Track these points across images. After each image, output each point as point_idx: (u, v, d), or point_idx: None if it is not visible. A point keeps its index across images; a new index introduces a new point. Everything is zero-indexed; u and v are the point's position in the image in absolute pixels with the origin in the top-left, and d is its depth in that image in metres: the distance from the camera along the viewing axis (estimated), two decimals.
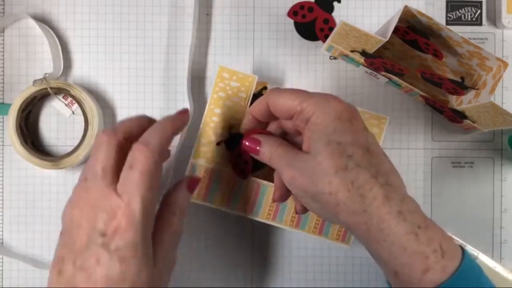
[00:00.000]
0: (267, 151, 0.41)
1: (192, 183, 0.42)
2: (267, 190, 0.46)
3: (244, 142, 0.43)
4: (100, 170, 0.36)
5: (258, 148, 0.42)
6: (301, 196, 0.39)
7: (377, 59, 0.46)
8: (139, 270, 0.35)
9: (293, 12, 0.51)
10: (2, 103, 0.51)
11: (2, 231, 0.51)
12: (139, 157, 0.36)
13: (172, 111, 0.51)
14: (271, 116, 0.42)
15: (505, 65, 0.43)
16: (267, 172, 0.47)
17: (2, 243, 0.51)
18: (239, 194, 0.46)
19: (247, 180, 0.46)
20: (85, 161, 0.50)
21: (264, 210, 0.46)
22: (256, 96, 0.47)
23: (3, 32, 0.51)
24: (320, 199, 0.37)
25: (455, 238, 0.50)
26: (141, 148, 0.36)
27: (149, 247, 0.36)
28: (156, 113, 0.51)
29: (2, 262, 0.51)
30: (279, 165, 0.40)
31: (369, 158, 0.37)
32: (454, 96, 0.49)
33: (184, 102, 0.50)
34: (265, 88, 0.49)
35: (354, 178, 0.36)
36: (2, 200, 0.51)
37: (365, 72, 0.50)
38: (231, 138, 0.47)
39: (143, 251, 0.35)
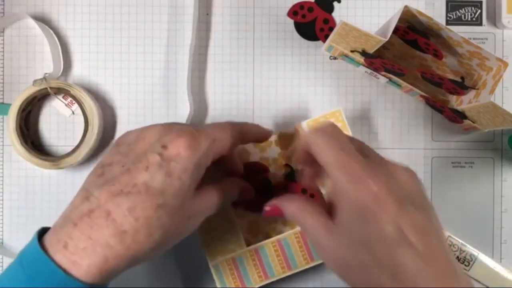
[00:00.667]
0: (291, 215, 0.39)
1: (244, 191, 0.44)
2: (288, 241, 0.46)
3: (264, 209, 0.41)
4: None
5: (281, 213, 0.40)
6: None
7: (377, 59, 0.46)
8: (178, 194, 0.36)
9: (293, 12, 0.51)
10: (2, 103, 0.51)
11: (2, 231, 0.51)
12: (233, 126, 0.41)
13: (172, 111, 0.51)
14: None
15: (505, 65, 0.43)
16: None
17: (2, 243, 0.51)
18: (268, 260, 0.46)
19: (267, 244, 0.46)
20: (85, 161, 0.50)
21: (299, 259, 0.46)
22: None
23: (3, 32, 0.51)
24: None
25: (455, 238, 0.50)
26: (226, 126, 0.40)
27: (194, 182, 0.37)
28: (156, 113, 0.51)
29: (2, 262, 0.51)
30: (308, 236, 0.40)
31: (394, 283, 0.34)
32: (454, 96, 0.49)
33: (184, 102, 0.50)
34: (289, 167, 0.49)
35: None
36: (2, 200, 0.51)
37: (365, 72, 0.50)
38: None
39: (188, 181, 0.37)
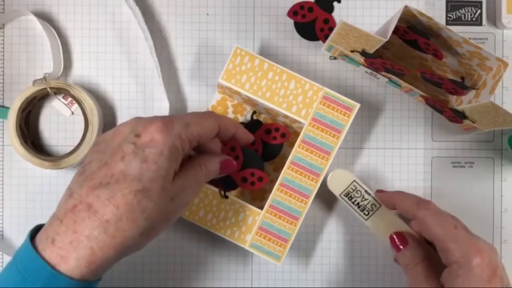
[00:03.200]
0: (409, 259, 0.44)
1: (226, 164, 0.44)
2: (287, 177, 0.46)
3: (392, 234, 0.46)
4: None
5: (401, 247, 0.45)
6: None
7: (377, 59, 0.46)
8: (156, 177, 0.37)
9: (293, 12, 0.51)
10: (2, 106, 0.51)
11: (2, 230, 0.51)
12: (205, 112, 0.43)
13: (172, 111, 0.51)
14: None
15: (505, 65, 0.43)
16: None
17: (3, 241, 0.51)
18: (287, 205, 0.46)
19: (275, 193, 0.46)
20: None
21: (306, 183, 0.46)
22: (247, 125, 0.49)
23: (3, 30, 0.51)
24: None
25: (360, 183, 0.48)
26: (212, 111, 0.43)
27: (172, 166, 0.38)
28: (156, 113, 0.51)
29: (2, 261, 0.51)
30: (412, 284, 0.44)
31: None
32: (454, 96, 0.49)
33: (184, 102, 0.50)
34: (254, 112, 0.50)
35: None
36: (2, 200, 0.51)
37: (365, 72, 0.50)
38: (252, 123, 0.49)
39: (166, 164, 0.37)
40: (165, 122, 0.38)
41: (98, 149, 0.39)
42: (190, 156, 0.44)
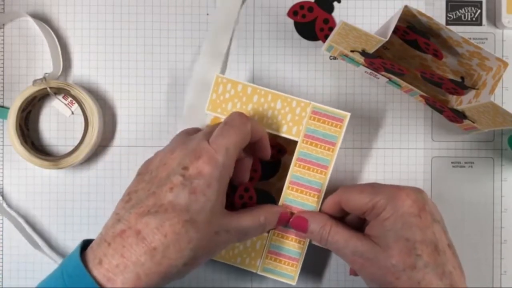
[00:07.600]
0: (316, 230, 0.44)
1: (284, 217, 0.45)
2: (290, 197, 0.46)
3: (290, 221, 0.45)
4: (206, 129, 0.43)
5: (306, 226, 0.44)
6: (365, 278, 0.42)
7: (377, 59, 0.46)
8: (203, 209, 0.38)
9: (293, 12, 0.51)
10: (2, 106, 0.51)
11: (2, 230, 0.51)
12: (235, 118, 0.42)
13: (172, 111, 0.51)
14: (345, 212, 0.45)
15: (505, 65, 0.43)
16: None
17: (2, 242, 0.51)
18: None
19: (282, 209, 0.46)
20: (85, 161, 0.50)
21: (313, 180, 0.46)
22: None
23: (3, 30, 0.51)
24: None
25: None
26: (241, 113, 0.42)
27: (220, 197, 0.39)
28: (156, 113, 0.51)
29: (2, 262, 0.51)
30: (341, 253, 0.43)
31: (436, 257, 0.39)
32: (454, 96, 0.49)
33: (184, 102, 0.50)
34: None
35: (421, 278, 0.39)
36: (2, 200, 0.51)
37: (365, 72, 0.50)
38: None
39: (213, 196, 0.38)
40: (211, 155, 0.39)
41: (144, 179, 0.40)
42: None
